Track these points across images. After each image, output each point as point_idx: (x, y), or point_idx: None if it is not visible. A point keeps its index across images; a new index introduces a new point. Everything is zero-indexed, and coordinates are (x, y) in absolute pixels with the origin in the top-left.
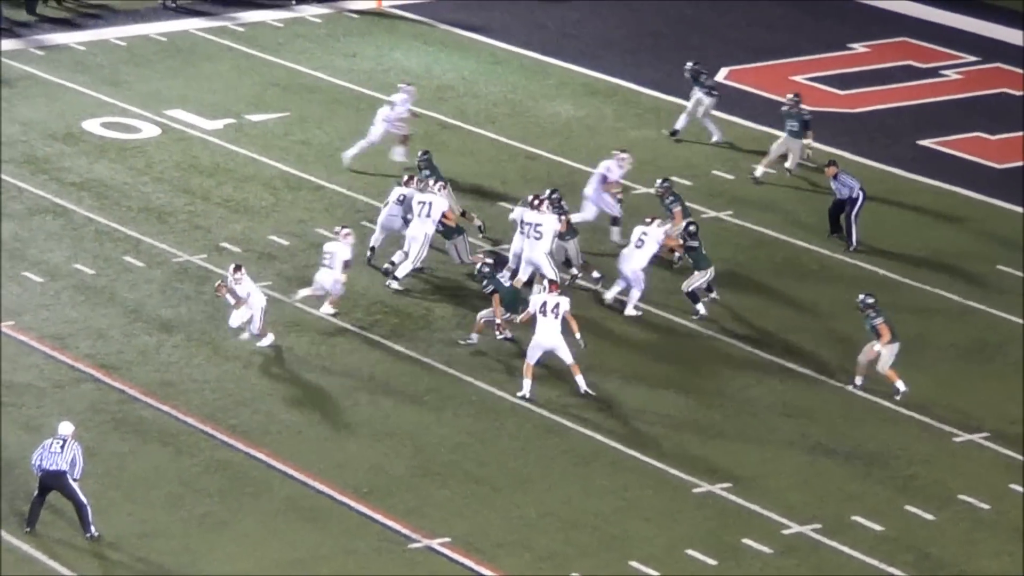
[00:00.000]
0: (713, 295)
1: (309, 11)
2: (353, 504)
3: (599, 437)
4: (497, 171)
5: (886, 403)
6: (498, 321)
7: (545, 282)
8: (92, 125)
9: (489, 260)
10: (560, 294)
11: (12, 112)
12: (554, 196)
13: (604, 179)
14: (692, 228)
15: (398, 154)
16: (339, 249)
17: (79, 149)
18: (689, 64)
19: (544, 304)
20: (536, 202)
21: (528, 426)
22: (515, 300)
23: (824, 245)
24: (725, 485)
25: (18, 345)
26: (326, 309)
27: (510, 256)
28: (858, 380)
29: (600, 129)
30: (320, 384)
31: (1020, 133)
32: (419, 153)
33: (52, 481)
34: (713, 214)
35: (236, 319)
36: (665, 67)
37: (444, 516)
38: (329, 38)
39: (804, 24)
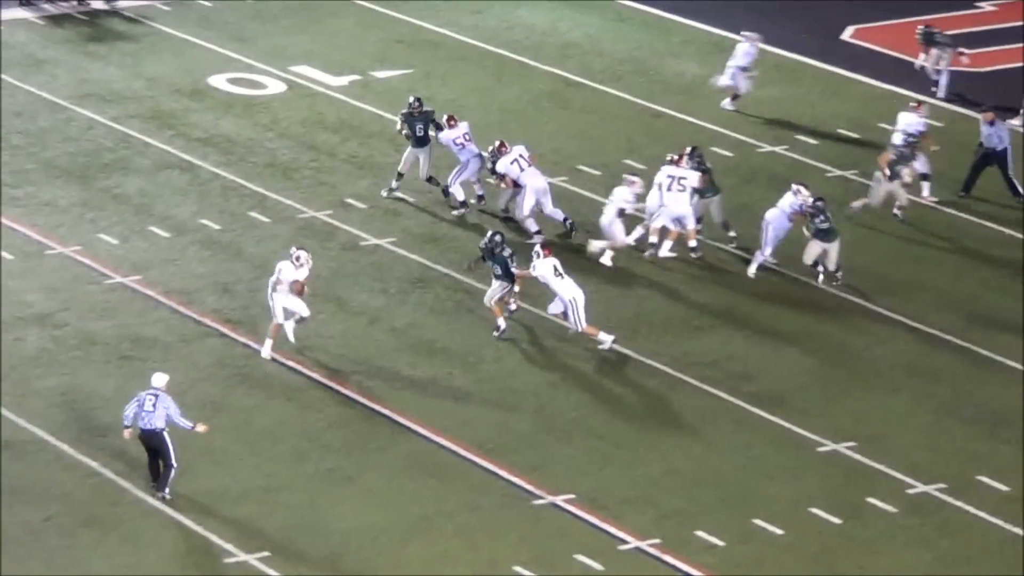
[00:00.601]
0: (838, 273)
1: None
2: (477, 460)
3: (723, 395)
4: (622, 129)
5: (1012, 363)
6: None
7: (538, 248)
8: (218, 81)
9: (498, 236)
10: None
11: (139, 67)
12: (696, 153)
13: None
14: (820, 203)
15: (728, 104)
16: (620, 194)
17: (205, 105)
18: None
19: (556, 267)
20: (677, 158)
21: (653, 383)
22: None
23: (952, 204)
24: (849, 444)
25: (145, 300)
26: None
27: (646, 215)
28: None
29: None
30: (445, 341)
31: None
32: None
33: (150, 440)
34: (838, 173)
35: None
36: (790, 25)
37: (568, 473)
38: None
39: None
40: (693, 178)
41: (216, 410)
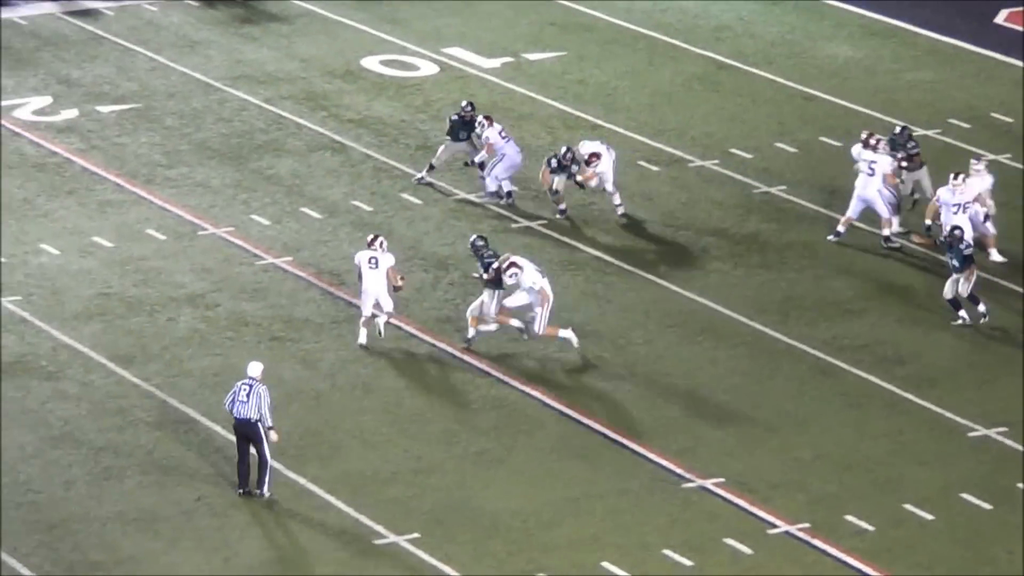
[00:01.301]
0: (981, 309)
1: None
2: (627, 443)
3: (873, 379)
4: (774, 112)
5: None
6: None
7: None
8: (371, 63)
9: (480, 240)
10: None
11: (292, 49)
12: (904, 132)
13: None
14: (957, 232)
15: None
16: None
17: (358, 86)
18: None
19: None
20: (872, 141)
21: (803, 367)
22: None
23: None
24: (1001, 429)
25: (296, 280)
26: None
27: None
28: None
29: (877, 71)
30: (595, 324)
31: None
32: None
33: (243, 429)
34: (992, 157)
35: None
36: (945, 9)
37: (717, 456)
38: None
39: None
40: (885, 162)
41: (367, 391)
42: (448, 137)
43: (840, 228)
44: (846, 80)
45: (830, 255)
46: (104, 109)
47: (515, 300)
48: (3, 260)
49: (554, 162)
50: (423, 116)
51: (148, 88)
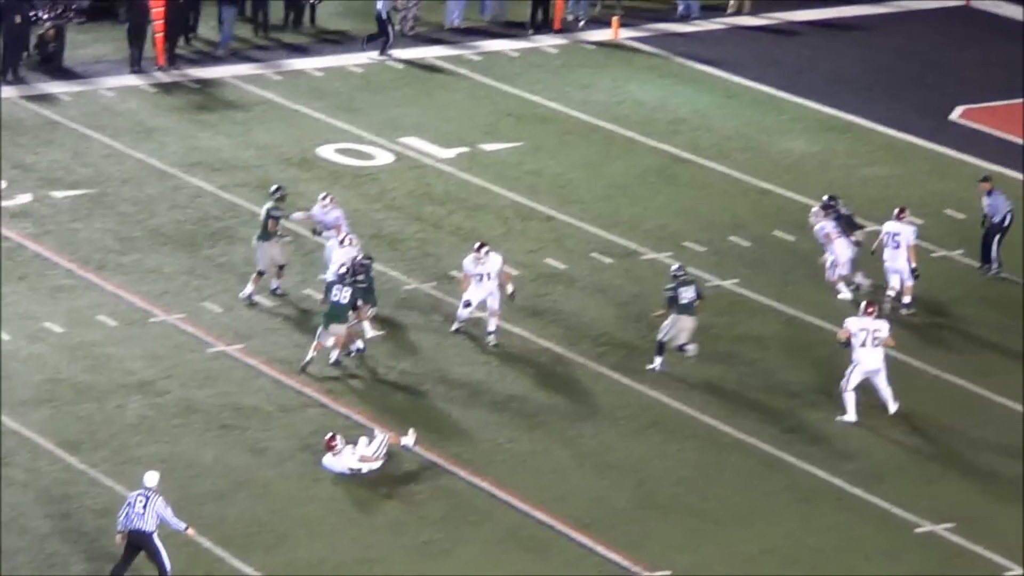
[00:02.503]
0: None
1: (546, 41)
2: (575, 535)
3: (822, 474)
4: (728, 205)
5: None
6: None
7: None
8: (327, 151)
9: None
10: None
11: (248, 136)
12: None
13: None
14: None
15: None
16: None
17: (313, 175)
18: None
19: None
20: (900, 214)
21: (752, 461)
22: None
23: None
24: (948, 525)
25: (246, 368)
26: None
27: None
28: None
29: (832, 165)
30: (544, 414)
31: None
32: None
33: (138, 541)
34: (943, 253)
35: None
36: (900, 105)
37: (665, 549)
38: (564, 69)
39: None
40: (908, 233)
41: (314, 480)
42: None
43: (888, 304)
44: (801, 175)
45: (781, 349)
46: (58, 194)
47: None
48: None
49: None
50: (378, 205)
51: (103, 174)
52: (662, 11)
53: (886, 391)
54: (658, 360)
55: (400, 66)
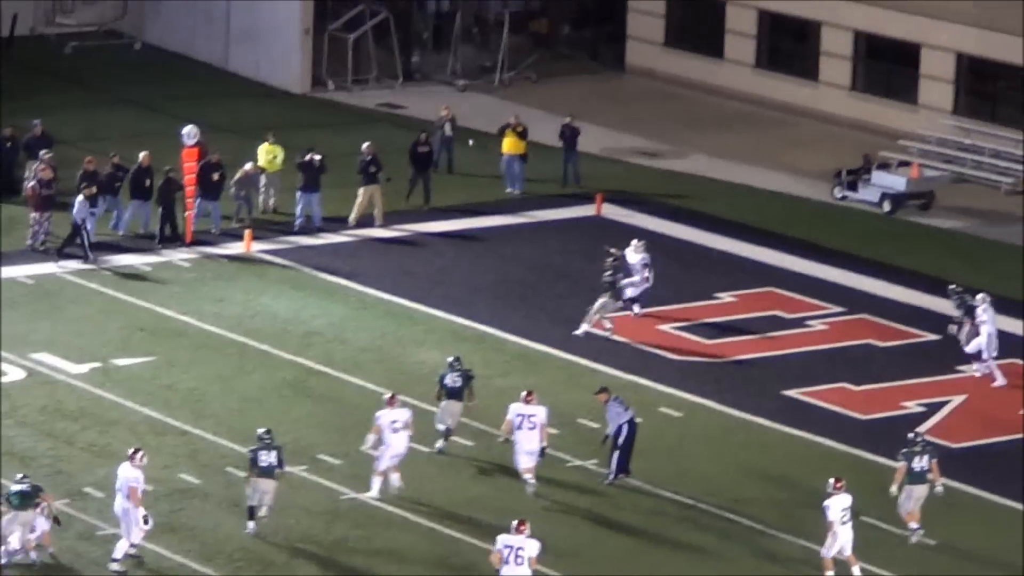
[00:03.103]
0: None
1: (177, 255)
2: None
3: None
4: (363, 417)
5: None
6: None
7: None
8: None
9: None
10: None
11: None
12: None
13: None
14: None
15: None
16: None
17: None
18: None
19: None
20: (528, 396)
21: None
22: None
23: None
24: None
25: None
26: None
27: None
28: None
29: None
30: None
31: (885, 384)
32: None
33: None
34: (579, 463)
35: None
36: (535, 315)
37: None
38: (197, 282)
39: (672, 273)
40: (541, 414)
41: None
42: None
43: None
44: (435, 386)
45: (419, 562)
46: None
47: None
48: None
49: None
50: (9, 422)
51: None
52: (292, 224)
53: None
54: None
55: (31, 281)
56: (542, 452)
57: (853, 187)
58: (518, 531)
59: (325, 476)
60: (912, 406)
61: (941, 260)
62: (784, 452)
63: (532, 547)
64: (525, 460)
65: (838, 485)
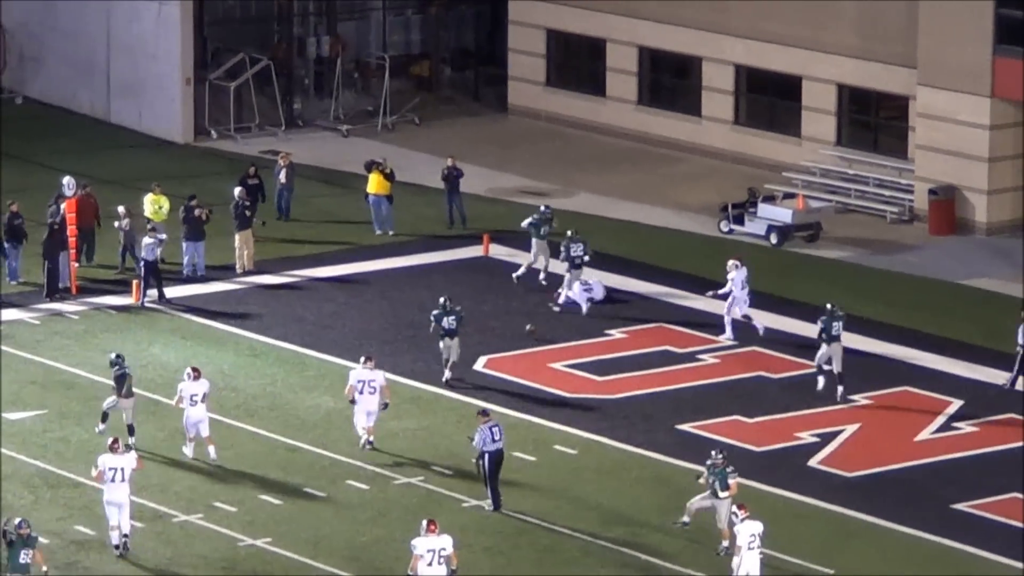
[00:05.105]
0: None
1: (67, 308)
2: None
3: None
4: (258, 464)
5: None
6: None
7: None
8: None
9: None
10: None
11: None
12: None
13: None
14: None
15: None
16: None
17: None
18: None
19: None
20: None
21: None
22: None
23: None
24: None
25: None
26: None
27: None
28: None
29: None
30: None
31: (778, 416)
32: None
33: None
34: (474, 503)
35: None
36: (424, 357)
37: None
38: (87, 334)
39: (563, 312)
40: (379, 377)
41: None
42: None
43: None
44: (329, 430)
45: None
46: None
47: None
48: None
49: None
50: None
51: None
52: (179, 274)
53: None
54: None
55: None
56: (385, 406)
57: (739, 220)
58: (429, 531)
59: (221, 523)
60: (806, 436)
61: (829, 290)
62: (679, 486)
63: (448, 543)
64: (363, 419)
65: (744, 512)
